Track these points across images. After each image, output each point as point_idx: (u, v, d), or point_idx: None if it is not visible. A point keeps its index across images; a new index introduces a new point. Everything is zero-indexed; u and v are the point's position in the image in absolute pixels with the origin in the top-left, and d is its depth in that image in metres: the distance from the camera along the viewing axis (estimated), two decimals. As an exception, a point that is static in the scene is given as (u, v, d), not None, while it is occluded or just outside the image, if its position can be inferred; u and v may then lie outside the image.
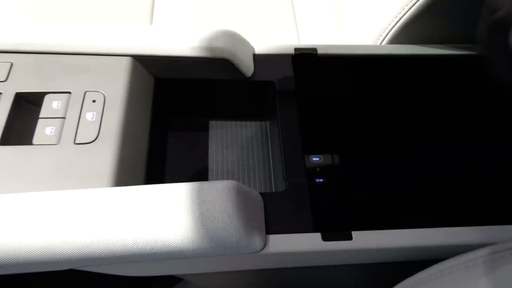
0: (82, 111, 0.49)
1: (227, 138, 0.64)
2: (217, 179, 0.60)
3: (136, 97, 0.53)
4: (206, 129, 0.65)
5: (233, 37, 0.57)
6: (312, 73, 0.66)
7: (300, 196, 0.49)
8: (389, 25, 0.65)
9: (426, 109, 0.62)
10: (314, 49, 0.63)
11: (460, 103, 0.63)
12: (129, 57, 0.54)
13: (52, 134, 0.47)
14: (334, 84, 0.68)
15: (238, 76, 0.58)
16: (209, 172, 0.61)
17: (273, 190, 0.59)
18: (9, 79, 0.51)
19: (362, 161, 0.56)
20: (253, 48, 0.61)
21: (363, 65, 0.65)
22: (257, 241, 0.43)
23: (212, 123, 0.65)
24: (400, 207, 0.52)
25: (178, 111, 0.64)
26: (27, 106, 0.51)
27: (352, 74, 0.67)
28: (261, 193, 0.48)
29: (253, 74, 0.59)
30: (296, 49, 0.62)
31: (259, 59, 0.61)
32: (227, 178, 0.61)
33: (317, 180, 0.52)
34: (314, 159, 0.54)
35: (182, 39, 0.55)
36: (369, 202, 0.51)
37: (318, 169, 0.53)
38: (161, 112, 0.61)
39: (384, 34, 0.66)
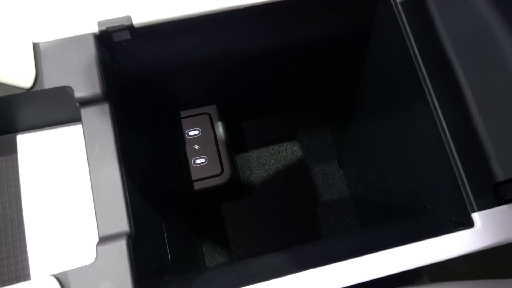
0: None
1: (43, 156, 0.48)
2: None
3: None
4: (11, 149, 0.48)
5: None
6: (130, 57, 0.48)
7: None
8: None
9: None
10: (128, 18, 0.43)
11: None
12: None
13: None
14: (165, 70, 0.51)
15: (8, 90, 0.40)
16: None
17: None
18: None
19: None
20: (32, 40, 0.41)
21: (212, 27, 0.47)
22: None
23: (21, 138, 0.48)
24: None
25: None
26: None
27: (194, 46, 0.49)
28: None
29: (38, 78, 0.41)
30: (101, 24, 0.43)
31: (45, 51, 0.42)
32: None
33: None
34: None
35: None
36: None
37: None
38: None
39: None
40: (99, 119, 0.41)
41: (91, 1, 0.46)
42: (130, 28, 0.43)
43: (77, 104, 0.41)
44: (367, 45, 0.54)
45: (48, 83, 0.41)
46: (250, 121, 0.77)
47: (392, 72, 0.50)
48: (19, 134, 0.48)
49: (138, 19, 0.43)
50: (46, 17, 0.43)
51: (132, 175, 0.43)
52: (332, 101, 0.75)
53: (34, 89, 0.40)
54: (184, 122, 0.63)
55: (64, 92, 0.42)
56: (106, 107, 0.41)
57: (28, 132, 0.48)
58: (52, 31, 0.42)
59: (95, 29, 0.43)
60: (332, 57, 0.60)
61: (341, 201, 0.74)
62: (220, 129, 0.63)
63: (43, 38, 0.42)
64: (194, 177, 0.61)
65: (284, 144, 0.77)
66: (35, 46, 0.42)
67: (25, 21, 0.43)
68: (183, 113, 0.64)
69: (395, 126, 0.52)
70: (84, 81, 0.41)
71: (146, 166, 0.51)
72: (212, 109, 0.64)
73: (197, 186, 0.61)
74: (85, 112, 0.41)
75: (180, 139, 0.62)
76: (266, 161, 0.76)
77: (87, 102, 0.41)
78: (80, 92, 0.41)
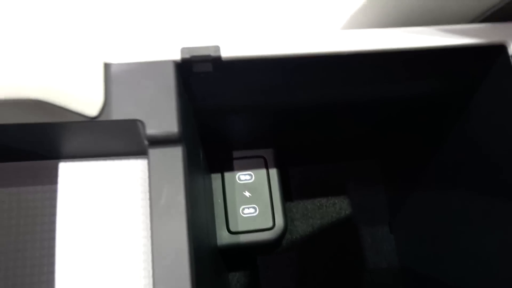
0: None
1: (88, 189, 0.41)
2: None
3: None
4: (51, 176, 0.41)
5: (54, 55, 0.31)
6: (223, 93, 0.42)
7: None
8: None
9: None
10: (216, 49, 0.37)
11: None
12: None
13: None
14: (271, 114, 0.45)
15: (72, 116, 0.33)
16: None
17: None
18: None
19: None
20: (104, 60, 0.35)
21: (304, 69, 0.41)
22: None
23: (63, 167, 0.41)
24: None
25: None
26: None
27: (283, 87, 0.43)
28: None
29: (106, 105, 0.34)
30: (185, 51, 0.37)
31: (117, 75, 0.35)
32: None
33: None
34: None
35: None
36: None
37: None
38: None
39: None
40: (170, 163, 0.34)
41: (174, 24, 0.40)
42: (216, 60, 0.37)
43: (146, 142, 0.35)
44: (463, 107, 0.48)
45: (117, 113, 0.34)
46: (297, 168, 0.70)
47: (497, 147, 0.44)
48: (63, 161, 0.41)
49: (227, 51, 0.37)
50: (122, 36, 0.37)
51: (195, 232, 0.36)
52: (391, 156, 0.68)
53: (99, 119, 0.34)
54: (236, 163, 0.57)
55: (133, 126, 0.35)
56: (179, 150, 0.35)
57: (74, 161, 0.41)
58: (127, 53, 0.36)
59: (177, 56, 0.37)
60: (414, 112, 0.54)
61: (389, 270, 0.67)
62: (275, 177, 0.57)
63: (116, 59, 0.36)
64: (241, 228, 0.54)
65: (332, 199, 0.70)
66: (106, 67, 0.35)
67: (98, 38, 0.36)
68: (235, 154, 0.57)
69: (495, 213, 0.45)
70: (159, 116, 0.35)
71: (203, 217, 0.44)
72: (268, 153, 0.58)
73: (244, 238, 0.53)
74: (155, 154, 0.34)
75: (230, 183, 0.56)
76: (311, 214, 0.69)
77: (158, 141, 0.34)
78: (153, 129, 0.34)
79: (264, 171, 0.57)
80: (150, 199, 0.33)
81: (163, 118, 0.34)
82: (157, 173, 0.34)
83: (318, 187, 0.70)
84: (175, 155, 0.35)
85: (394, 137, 0.64)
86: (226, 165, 0.56)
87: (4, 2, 0.30)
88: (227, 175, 0.56)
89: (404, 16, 0.43)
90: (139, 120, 0.34)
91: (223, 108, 0.47)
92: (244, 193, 0.55)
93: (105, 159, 0.41)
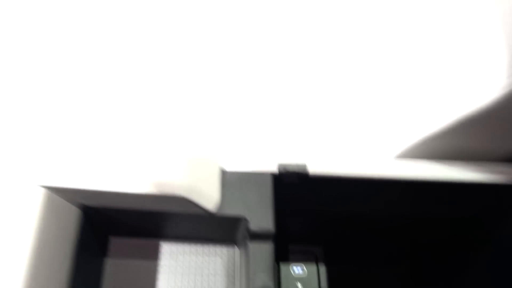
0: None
1: (183, 268, 0.49)
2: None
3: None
4: (155, 253, 0.50)
5: (193, 163, 0.42)
6: (300, 199, 0.52)
7: None
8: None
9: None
10: (304, 166, 0.48)
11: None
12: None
13: None
14: (329, 218, 0.54)
15: (197, 210, 0.43)
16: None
17: None
18: None
19: None
20: (221, 168, 0.46)
21: (373, 190, 0.51)
22: None
23: (165, 246, 0.50)
24: None
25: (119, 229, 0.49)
26: None
27: (360, 203, 0.53)
28: None
29: (221, 203, 0.44)
30: (281, 166, 0.47)
31: (229, 180, 0.45)
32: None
33: None
34: None
35: (115, 169, 0.39)
36: None
37: None
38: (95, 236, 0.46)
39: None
40: (265, 257, 0.43)
41: (273, 143, 0.51)
42: (304, 175, 0.48)
43: (247, 235, 0.44)
44: (488, 235, 0.56)
45: (228, 210, 0.44)
46: (338, 266, 0.77)
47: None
48: (165, 241, 0.50)
49: (312, 169, 0.48)
50: (234, 148, 0.48)
51: None
52: (422, 264, 0.75)
53: (215, 213, 0.43)
54: (291, 256, 0.64)
55: (237, 221, 0.44)
56: (271, 244, 0.43)
57: (174, 242, 0.50)
58: (238, 163, 0.46)
59: (274, 169, 0.47)
60: (443, 229, 0.62)
61: None
62: (324, 274, 0.64)
63: (229, 167, 0.46)
64: (292, 318, 0.60)
65: (367, 299, 0.75)
66: (223, 174, 0.45)
67: (216, 149, 0.47)
68: (291, 247, 0.65)
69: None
70: (259, 216, 0.44)
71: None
72: (318, 250, 0.65)
73: (294, 328, 0.59)
74: (254, 247, 0.43)
75: (285, 274, 0.63)
76: (348, 311, 0.74)
77: (257, 236, 0.43)
78: (254, 226, 0.43)
79: (315, 267, 0.64)
80: (247, 283, 0.41)
81: (262, 218, 0.44)
82: (254, 262, 0.42)
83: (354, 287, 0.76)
84: (268, 249, 0.43)
85: (424, 247, 0.71)
86: (282, 257, 0.64)
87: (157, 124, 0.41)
88: (282, 266, 0.63)
89: (445, 152, 0.54)
90: (245, 218, 0.43)
91: (295, 210, 0.56)
92: (296, 284, 0.62)
93: (201, 244, 0.50)
